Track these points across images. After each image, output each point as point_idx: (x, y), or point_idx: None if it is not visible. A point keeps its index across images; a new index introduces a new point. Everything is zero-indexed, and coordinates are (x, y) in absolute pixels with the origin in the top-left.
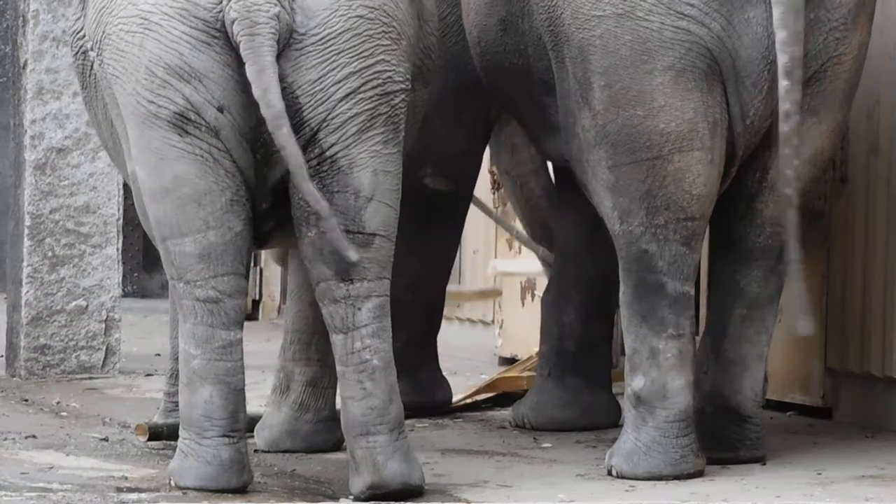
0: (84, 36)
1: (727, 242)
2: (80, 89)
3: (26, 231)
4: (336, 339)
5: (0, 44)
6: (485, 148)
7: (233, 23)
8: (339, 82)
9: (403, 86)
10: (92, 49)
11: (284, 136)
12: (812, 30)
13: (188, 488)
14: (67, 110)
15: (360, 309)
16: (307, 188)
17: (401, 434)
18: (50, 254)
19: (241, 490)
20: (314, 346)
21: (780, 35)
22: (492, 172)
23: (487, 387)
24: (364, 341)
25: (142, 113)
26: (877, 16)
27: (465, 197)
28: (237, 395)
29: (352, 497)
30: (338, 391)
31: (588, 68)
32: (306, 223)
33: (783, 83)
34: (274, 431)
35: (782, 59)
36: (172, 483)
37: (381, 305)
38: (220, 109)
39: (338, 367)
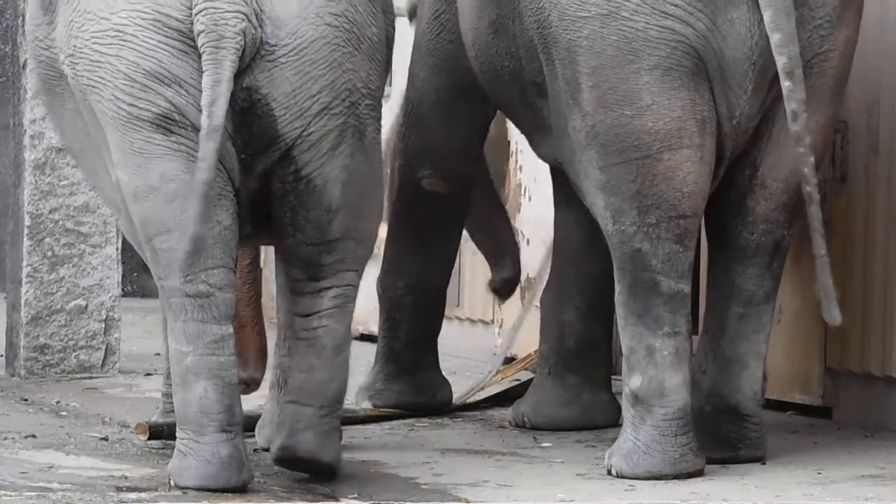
0: (51, 46)
1: (721, 241)
2: (43, 94)
3: (26, 231)
4: (297, 320)
5: (0, 43)
6: (482, 148)
7: (199, 34)
8: (313, 96)
9: (365, 91)
10: (63, 61)
11: (210, 150)
12: (796, 28)
13: (188, 488)
14: None
15: (322, 298)
16: (198, 207)
17: (330, 413)
18: (49, 253)
19: (241, 489)
20: None
21: (775, 37)
22: None
23: (487, 384)
24: (321, 321)
25: (122, 116)
26: (877, 16)
27: (464, 197)
28: (232, 389)
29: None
30: None
31: (576, 69)
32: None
33: (785, 84)
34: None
35: (781, 61)
36: (172, 483)
37: (345, 294)
38: None
39: (290, 341)
